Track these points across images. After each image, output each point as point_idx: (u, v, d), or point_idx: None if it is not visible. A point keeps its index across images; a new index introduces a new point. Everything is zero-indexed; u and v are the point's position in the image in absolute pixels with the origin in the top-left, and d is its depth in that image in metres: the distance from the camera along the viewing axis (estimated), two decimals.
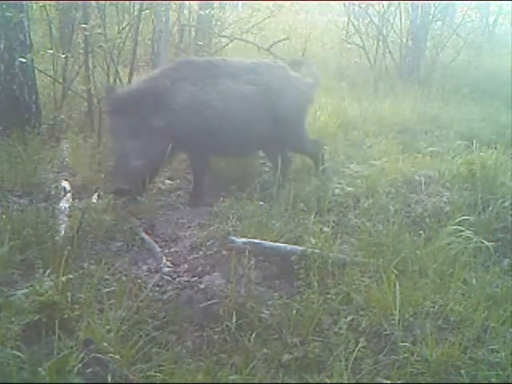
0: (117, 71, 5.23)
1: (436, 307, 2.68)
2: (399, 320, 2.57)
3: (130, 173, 3.75)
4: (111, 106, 3.96)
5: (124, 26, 6.37)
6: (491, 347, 2.45)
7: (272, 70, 4.33)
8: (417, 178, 4.11)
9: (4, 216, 3.27)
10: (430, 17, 8.75)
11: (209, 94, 4.02)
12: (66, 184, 3.95)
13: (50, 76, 5.52)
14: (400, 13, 8.93)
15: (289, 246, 3.18)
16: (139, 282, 2.94)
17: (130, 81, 5.24)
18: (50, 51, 4.89)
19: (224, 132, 4.04)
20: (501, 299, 2.78)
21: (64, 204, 3.67)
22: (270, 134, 4.19)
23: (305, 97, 4.40)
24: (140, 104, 3.81)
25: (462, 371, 2.31)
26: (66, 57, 5.34)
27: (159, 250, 3.40)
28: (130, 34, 6.01)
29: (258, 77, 4.21)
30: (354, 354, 2.38)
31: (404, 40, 8.76)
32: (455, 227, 3.31)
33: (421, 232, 3.36)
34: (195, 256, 3.33)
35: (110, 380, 2.07)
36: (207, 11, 7.29)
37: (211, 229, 3.51)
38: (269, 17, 8.48)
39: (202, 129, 3.96)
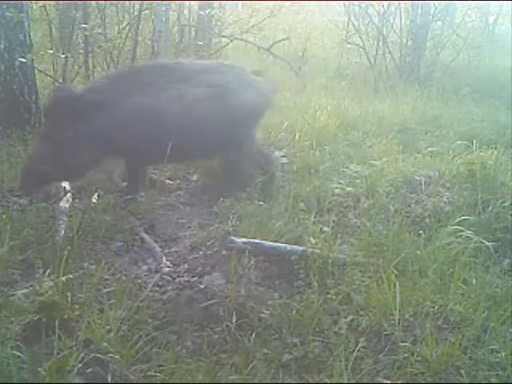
0: None
1: (436, 307, 2.68)
2: (399, 320, 2.57)
3: (37, 176, 3.65)
4: (47, 107, 3.87)
5: (124, 26, 6.37)
6: (491, 347, 2.44)
7: (230, 71, 4.13)
8: (417, 177, 4.10)
9: (4, 216, 3.27)
10: (430, 17, 8.73)
11: (157, 102, 3.78)
12: (66, 184, 3.95)
13: (50, 76, 5.53)
14: (400, 13, 8.92)
15: (289, 246, 3.18)
16: (139, 282, 2.95)
17: None
18: (50, 51, 4.88)
19: (172, 139, 3.75)
20: (501, 299, 2.78)
21: (64, 204, 3.68)
22: (227, 136, 3.96)
23: (264, 100, 4.16)
24: (75, 110, 3.63)
25: (462, 371, 2.31)
26: (65, 57, 5.35)
27: (159, 249, 3.41)
28: (129, 34, 6.01)
29: (215, 78, 3.99)
30: (354, 354, 2.38)
31: (404, 40, 8.75)
32: (455, 227, 3.31)
33: (421, 232, 3.36)
34: (195, 256, 3.33)
35: (110, 380, 2.07)
36: (207, 11, 7.29)
37: (211, 229, 3.51)
38: (269, 17, 8.48)
39: (145, 139, 3.74)
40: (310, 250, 3.06)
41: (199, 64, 4.23)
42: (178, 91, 3.84)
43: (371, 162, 4.47)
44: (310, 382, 2.34)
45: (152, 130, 3.74)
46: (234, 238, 3.25)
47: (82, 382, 2.04)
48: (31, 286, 2.60)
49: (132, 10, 6.81)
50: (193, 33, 8.11)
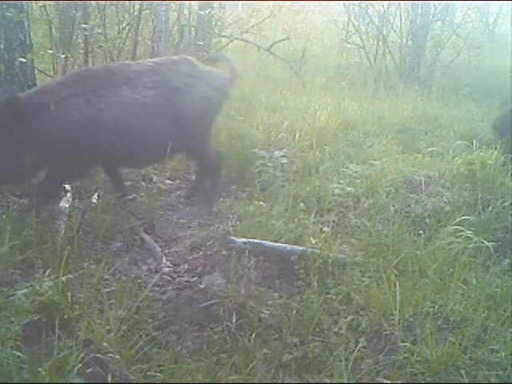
0: None
1: (436, 307, 2.68)
2: (399, 320, 2.57)
3: None
4: None
5: (124, 26, 6.37)
6: (491, 347, 2.45)
7: (177, 68, 3.93)
8: (417, 177, 4.10)
9: (4, 216, 3.27)
10: (430, 17, 8.74)
11: (100, 110, 3.60)
12: (66, 184, 3.94)
13: (50, 76, 5.52)
14: (400, 13, 8.92)
15: (289, 246, 3.18)
16: (139, 282, 2.95)
17: None
18: (50, 51, 4.88)
19: (116, 146, 3.68)
20: (501, 299, 2.78)
21: (64, 204, 3.68)
22: (180, 136, 3.78)
23: (216, 94, 4.01)
24: (13, 113, 3.47)
25: (462, 371, 2.31)
26: (65, 57, 5.34)
27: (159, 249, 3.41)
28: (129, 34, 6.01)
29: (160, 78, 3.82)
30: (354, 354, 2.38)
31: (404, 40, 8.75)
32: (455, 227, 3.31)
33: (421, 232, 3.36)
34: (195, 256, 3.34)
35: (110, 380, 2.07)
36: (207, 11, 7.28)
37: (211, 229, 3.51)
38: (269, 17, 8.47)
39: (80, 147, 3.57)
40: (310, 250, 3.06)
41: (147, 64, 4.01)
42: (118, 97, 3.67)
43: (371, 161, 4.47)
44: (310, 381, 2.34)
45: (85, 139, 3.56)
46: (234, 238, 3.25)
47: (82, 381, 2.04)
48: (31, 285, 2.60)
49: (132, 10, 6.81)
50: (193, 33, 8.10)
